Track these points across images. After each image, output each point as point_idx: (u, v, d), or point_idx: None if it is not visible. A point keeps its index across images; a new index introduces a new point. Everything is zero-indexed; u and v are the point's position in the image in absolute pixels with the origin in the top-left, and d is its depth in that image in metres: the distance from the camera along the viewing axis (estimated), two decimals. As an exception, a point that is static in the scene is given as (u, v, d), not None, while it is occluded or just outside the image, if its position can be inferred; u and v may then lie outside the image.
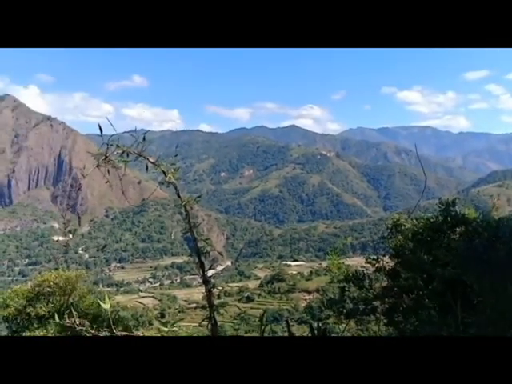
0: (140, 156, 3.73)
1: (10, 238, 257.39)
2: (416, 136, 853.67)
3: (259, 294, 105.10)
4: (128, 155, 3.67)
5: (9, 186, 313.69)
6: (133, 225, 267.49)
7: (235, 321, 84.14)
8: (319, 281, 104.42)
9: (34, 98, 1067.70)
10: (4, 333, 20.81)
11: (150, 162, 3.79)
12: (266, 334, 3.84)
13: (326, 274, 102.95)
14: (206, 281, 3.74)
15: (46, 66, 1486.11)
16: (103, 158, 3.59)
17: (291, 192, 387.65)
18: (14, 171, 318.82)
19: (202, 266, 3.79)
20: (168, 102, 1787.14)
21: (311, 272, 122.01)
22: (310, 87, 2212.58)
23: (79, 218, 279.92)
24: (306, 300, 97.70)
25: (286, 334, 4.22)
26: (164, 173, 3.77)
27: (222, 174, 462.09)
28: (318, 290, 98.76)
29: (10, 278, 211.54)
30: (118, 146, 3.60)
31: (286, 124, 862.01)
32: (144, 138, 3.72)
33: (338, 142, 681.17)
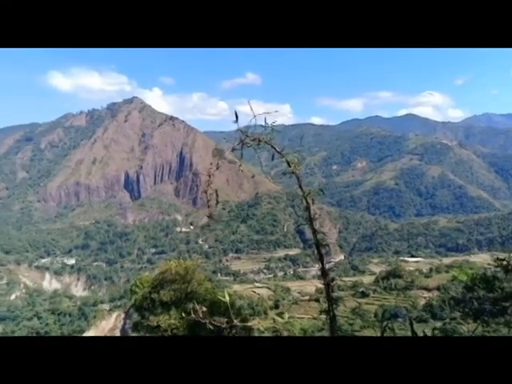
0: (268, 144, 3.85)
1: (139, 228, 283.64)
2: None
3: (374, 290, 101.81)
4: (258, 144, 3.81)
5: (137, 181, 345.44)
6: (247, 217, 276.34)
7: (349, 315, 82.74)
8: (440, 278, 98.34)
9: (157, 100, 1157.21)
10: (135, 316, 22.74)
11: (277, 152, 3.87)
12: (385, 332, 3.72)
13: (447, 272, 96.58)
14: (324, 273, 3.69)
15: (168, 69, 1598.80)
16: (238, 143, 3.77)
17: (408, 184, 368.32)
18: (141, 167, 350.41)
19: (321, 258, 3.74)
20: (280, 97, 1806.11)
21: (431, 269, 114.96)
22: (429, 73, 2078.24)
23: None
24: (425, 298, 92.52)
25: (407, 332, 4.05)
26: (288, 163, 3.83)
27: (334, 167, 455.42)
28: (438, 288, 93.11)
29: (140, 266, 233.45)
30: (247, 136, 3.76)
31: (402, 113, 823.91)
32: (272, 129, 3.84)
33: (460, 129, 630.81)
